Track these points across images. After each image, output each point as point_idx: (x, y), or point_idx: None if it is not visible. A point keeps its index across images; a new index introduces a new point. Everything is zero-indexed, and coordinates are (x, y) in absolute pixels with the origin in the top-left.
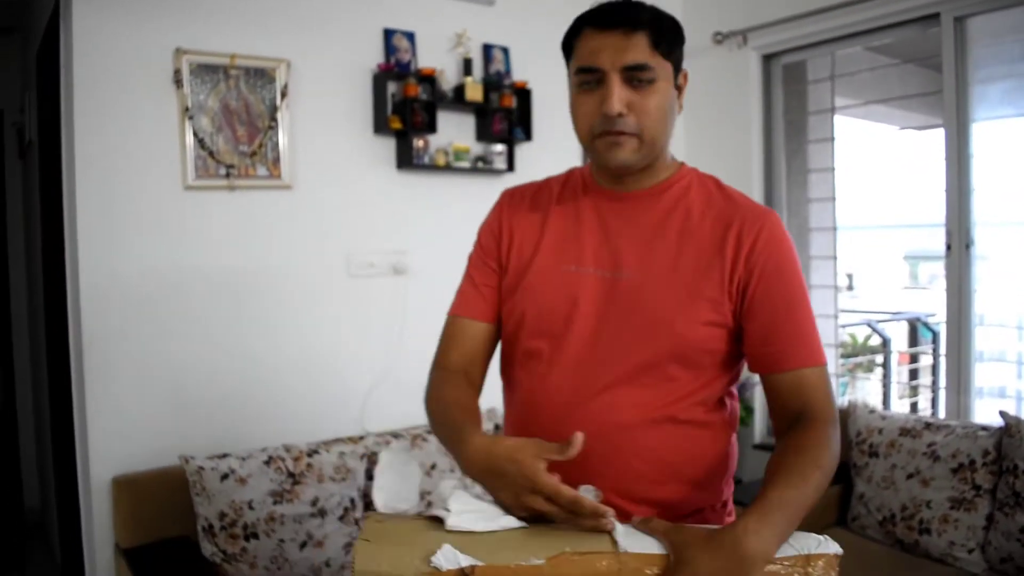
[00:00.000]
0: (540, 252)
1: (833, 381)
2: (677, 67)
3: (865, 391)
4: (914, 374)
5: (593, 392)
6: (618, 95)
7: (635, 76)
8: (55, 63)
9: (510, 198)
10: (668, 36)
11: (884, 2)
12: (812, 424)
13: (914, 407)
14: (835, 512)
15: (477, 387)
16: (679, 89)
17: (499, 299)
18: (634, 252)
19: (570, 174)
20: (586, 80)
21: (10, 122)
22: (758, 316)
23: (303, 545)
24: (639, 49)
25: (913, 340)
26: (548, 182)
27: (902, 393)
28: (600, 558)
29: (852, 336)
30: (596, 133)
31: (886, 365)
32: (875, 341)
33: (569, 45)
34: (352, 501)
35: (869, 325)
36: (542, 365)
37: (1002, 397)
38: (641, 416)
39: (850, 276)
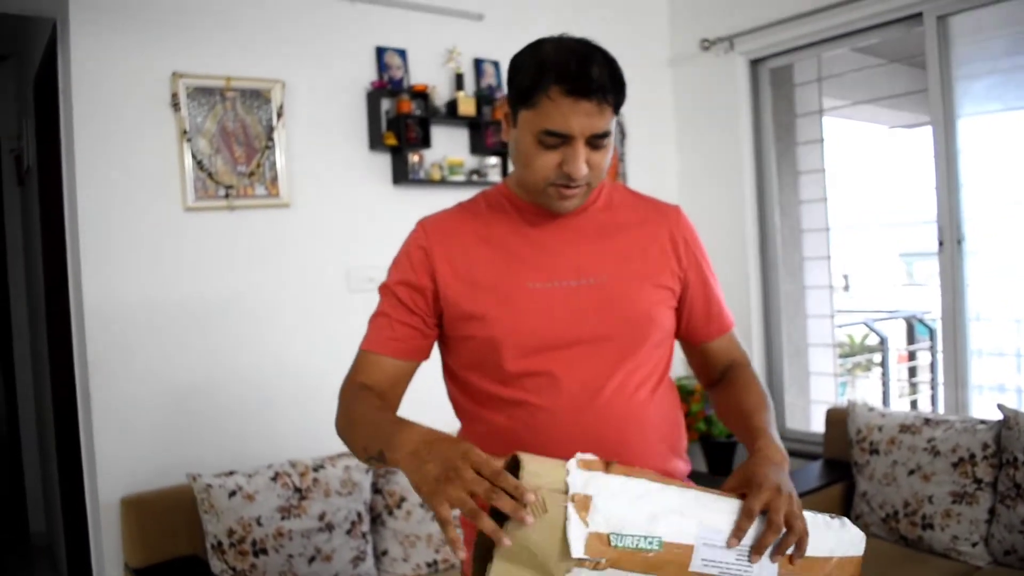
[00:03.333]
0: (497, 277)
1: (832, 381)
2: None
3: (864, 390)
4: (912, 372)
5: (602, 383)
6: (583, 159)
7: (598, 142)
8: (53, 89)
9: (432, 229)
10: (623, 94)
11: (868, 3)
12: (742, 368)
13: (913, 404)
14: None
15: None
16: None
17: (422, 337)
18: (590, 260)
19: (487, 196)
20: (550, 142)
21: (7, 149)
22: (698, 298)
23: (312, 560)
24: (607, 119)
25: (910, 338)
26: (467, 207)
27: (901, 391)
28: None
29: (850, 336)
30: (551, 183)
31: (884, 364)
32: (872, 340)
33: (530, 94)
34: (359, 515)
35: (866, 324)
36: (543, 378)
37: (1001, 392)
38: (646, 393)
39: (846, 277)
